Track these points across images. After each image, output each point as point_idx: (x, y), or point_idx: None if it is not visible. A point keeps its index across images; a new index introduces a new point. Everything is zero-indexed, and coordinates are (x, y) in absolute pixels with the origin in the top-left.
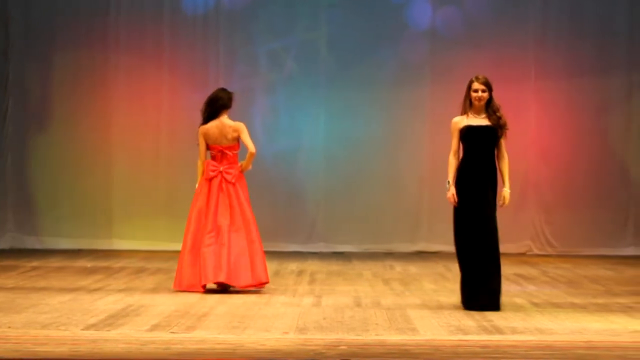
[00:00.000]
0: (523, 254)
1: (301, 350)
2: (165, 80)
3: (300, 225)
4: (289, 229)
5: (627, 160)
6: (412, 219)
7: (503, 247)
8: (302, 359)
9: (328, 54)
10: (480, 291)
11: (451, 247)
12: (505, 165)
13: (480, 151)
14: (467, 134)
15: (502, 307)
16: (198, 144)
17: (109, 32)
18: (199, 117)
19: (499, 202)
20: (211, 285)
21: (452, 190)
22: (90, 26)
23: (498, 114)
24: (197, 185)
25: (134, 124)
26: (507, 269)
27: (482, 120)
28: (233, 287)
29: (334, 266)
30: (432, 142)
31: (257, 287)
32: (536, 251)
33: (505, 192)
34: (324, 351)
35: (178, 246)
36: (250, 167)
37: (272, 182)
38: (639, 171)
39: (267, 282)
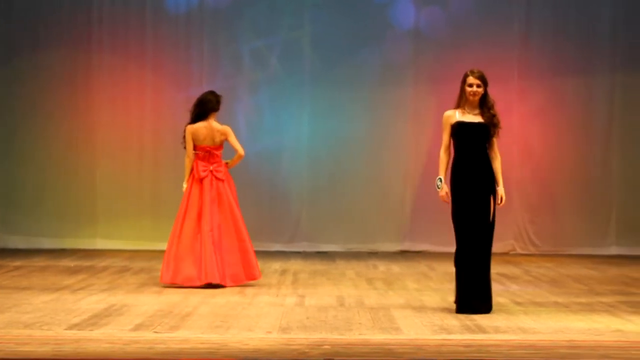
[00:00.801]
0: (506, 254)
1: (284, 350)
2: (148, 80)
3: (283, 225)
4: (273, 229)
5: (609, 160)
6: (395, 219)
7: None
8: (286, 359)
9: (312, 53)
10: (476, 295)
11: (434, 247)
12: (498, 165)
13: (471, 149)
14: (458, 130)
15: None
16: (184, 143)
17: (92, 31)
18: (182, 116)
19: (497, 202)
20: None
21: (445, 189)
22: (73, 25)
23: (492, 111)
24: (185, 184)
25: (118, 124)
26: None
27: (475, 117)
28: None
29: (318, 266)
30: (416, 141)
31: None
32: (519, 251)
33: (500, 190)
34: (307, 351)
35: (162, 246)
36: (234, 165)
37: (256, 182)
38: (621, 171)
39: (259, 277)
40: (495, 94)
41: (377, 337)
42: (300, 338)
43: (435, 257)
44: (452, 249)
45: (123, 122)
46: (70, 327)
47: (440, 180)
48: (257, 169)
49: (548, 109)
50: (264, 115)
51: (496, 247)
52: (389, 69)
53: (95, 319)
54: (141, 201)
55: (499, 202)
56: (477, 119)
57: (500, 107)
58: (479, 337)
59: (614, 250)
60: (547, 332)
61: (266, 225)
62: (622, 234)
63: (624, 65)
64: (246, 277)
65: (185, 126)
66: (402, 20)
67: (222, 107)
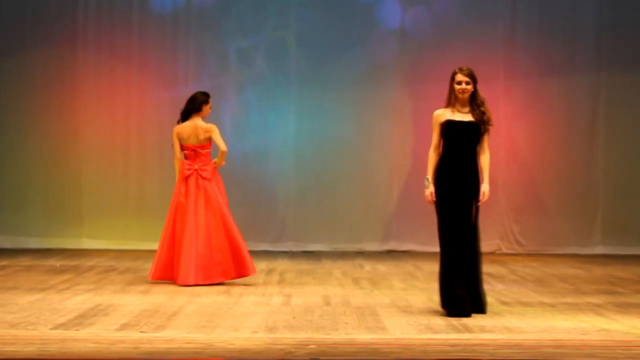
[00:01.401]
0: (492, 253)
1: (271, 350)
2: (134, 79)
3: (270, 224)
4: (259, 228)
5: (594, 159)
6: (381, 218)
7: None
8: (272, 358)
9: (298, 53)
10: (462, 295)
11: (420, 246)
12: (486, 161)
13: (461, 148)
14: (448, 129)
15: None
16: (173, 144)
17: (77, 30)
18: (168, 115)
19: (479, 199)
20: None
21: (431, 189)
22: (59, 24)
23: (482, 108)
24: (176, 184)
25: (104, 123)
26: None
27: (465, 115)
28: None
29: (304, 265)
30: (402, 141)
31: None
32: (505, 250)
33: (484, 187)
34: (293, 350)
35: (148, 245)
36: (223, 163)
37: (242, 181)
38: (606, 170)
39: (253, 273)
40: (481, 93)
41: (363, 336)
42: (287, 338)
43: (422, 257)
44: (438, 248)
45: (109, 121)
46: (56, 327)
47: (428, 180)
48: (244, 168)
49: (533, 108)
50: (250, 115)
51: (482, 246)
52: (375, 69)
53: (81, 319)
54: (127, 201)
55: (481, 197)
56: (468, 117)
57: None
58: (464, 337)
59: (599, 250)
60: (533, 331)
61: (252, 225)
62: (607, 234)
63: (609, 64)
64: (237, 274)
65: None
66: (388, 20)
67: None
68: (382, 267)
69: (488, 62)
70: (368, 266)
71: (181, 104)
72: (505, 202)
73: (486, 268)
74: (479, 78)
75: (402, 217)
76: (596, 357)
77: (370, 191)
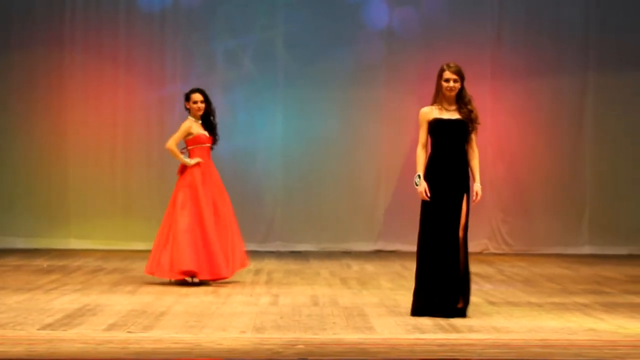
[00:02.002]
0: (480, 253)
1: (258, 350)
2: (121, 79)
3: (257, 224)
4: (246, 228)
5: (582, 159)
6: (369, 218)
7: None
8: (260, 358)
9: (285, 53)
10: (440, 296)
11: (408, 246)
12: (476, 160)
13: (449, 146)
14: (435, 127)
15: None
16: None
17: (64, 30)
18: (155, 115)
19: (472, 198)
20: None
21: (424, 185)
22: (46, 24)
23: (469, 106)
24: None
25: (91, 123)
26: None
27: (452, 113)
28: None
29: (292, 265)
30: (389, 141)
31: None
32: (492, 250)
33: (476, 186)
34: (281, 350)
35: (135, 245)
36: (185, 161)
37: (229, 181)
38: (594, 170)
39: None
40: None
41: (350, 336)
42: (274, 338)
43: (409, 257)
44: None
45: (96, 121)
46: (44, 327)
47: (419, 177)
48: (231, 168)
49: (521, 108)
50: (238, 115)
51: (469, 246)
52: (362, 69)
53: (69, 319)
54: (114, 201)
55: (474, 198)
56: (455, 115)
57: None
58: (452, 337)
59: (587, 250)
60: (521, 331)
61: (240, 225)
62: (595, 234)
63: (597, 64)
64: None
65: None
66: (376, 20)
67: None
68: (370, 267)
69: (476, 62)
70: (356, 266)
71: (169, 104)
72: (493, 202)
73: (474, 268)
74: (467, 78)
75: (390, 217)
76: (583, 356)
77: (358, 191)
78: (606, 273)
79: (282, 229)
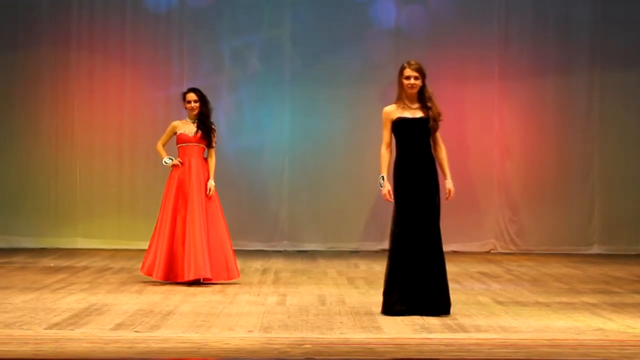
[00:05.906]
0: (487, 252)
1: (265, 349)
2: (128, 79)
3: (264, 224)
4: (253, 227)
5: (590, 158)
6: (376, 217)
7: (467, 246)
8: (267, 358)
9: (292, 52)
10: (420, 295)
11: None
12: (443, 156)
13: (414, 144)
14: (399, 126)
15: (464, 306)
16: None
17: (71, 29)
18: (162, 115)
19: (444, 196)
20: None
21: (388, 187)
22: (52, 23)
23: (430, 104)
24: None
25: (97, 123)
26: (471, 267)
27: (415, 112)
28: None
29: (299, 265)
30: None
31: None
32: (500, 249)
33: (448, 184)
34: (288, 350)
35: (142, 245)
36: (164, 161)
37: (236, 180)
38: (602, 169)
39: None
40: (475, 93)
41: (358, 336)
42: (282, 337)
43: None
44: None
45: (103, 121)
46: (51, 327)
47: (383, 179)
48: (238, 167)
49: (528, 107)
50: (244, 114)
51: (477, 246)
52: (369, 68)
53: (76, 319)
54: (121, 200)
55: (447, 195)
56: (418, 113)
57: (480, 106)
58: (460, 336)
59: (595, 249)
60: (528, 331)
61: (247, 224)
62: (603, 233)
63: (603, 63)
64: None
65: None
66: (383, 19)
67: None
68: (378, 267)
69: (483, 61)
70: (363, 265)
71: (175, 104)
72: (501, 201)
73: (481, 267)
74: (473, 77)
75: None
76: (591, 356)
77: (365, 190)
78: (614, 273)
79: (290, 228)
